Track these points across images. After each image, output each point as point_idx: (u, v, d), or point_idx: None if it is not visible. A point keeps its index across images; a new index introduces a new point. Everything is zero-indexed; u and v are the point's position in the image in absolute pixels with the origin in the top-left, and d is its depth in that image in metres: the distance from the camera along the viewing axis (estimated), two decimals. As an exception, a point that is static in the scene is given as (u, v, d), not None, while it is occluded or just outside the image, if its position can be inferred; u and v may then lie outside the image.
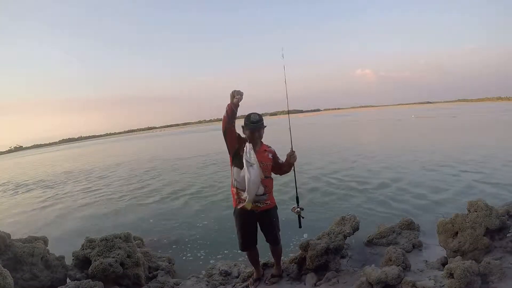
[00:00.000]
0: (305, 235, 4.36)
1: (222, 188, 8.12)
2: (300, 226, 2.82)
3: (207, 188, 8.50)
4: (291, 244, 4.20)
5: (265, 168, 2.52)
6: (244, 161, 2.28)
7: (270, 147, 2.73)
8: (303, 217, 2.80)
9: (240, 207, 2.46)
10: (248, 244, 2.70)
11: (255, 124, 2.50)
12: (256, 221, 2.63)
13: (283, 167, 2.70)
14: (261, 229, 2.70)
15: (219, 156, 14.86)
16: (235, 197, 2.55)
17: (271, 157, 2.65)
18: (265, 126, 2.60)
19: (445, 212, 4.78)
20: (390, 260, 2.81)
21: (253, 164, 2.25)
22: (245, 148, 2.30)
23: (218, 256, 4.14)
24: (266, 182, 2.53)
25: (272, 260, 3.41)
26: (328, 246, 3.04)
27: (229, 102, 2.33)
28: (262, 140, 2.67)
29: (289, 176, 2.81)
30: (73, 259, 3.42)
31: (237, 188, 2.51)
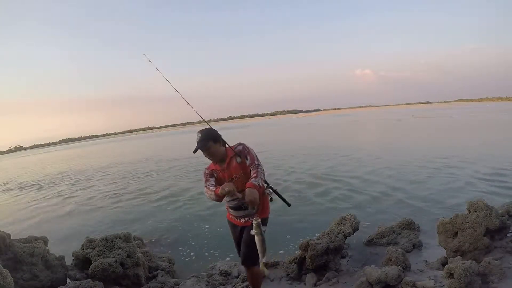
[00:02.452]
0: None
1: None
2: (288, 204, 2.50)
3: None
4: (291, 244, 4.20)
5: (239, 182, 2.20)
6: None
7: (240, 145, 2.30)
8: (276, 192, 2.40)
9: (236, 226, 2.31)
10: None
11: (197, 144, 2.21)
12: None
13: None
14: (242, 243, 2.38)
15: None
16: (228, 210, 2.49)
17: (240, 161, 2.24)
18: (219, 138, 2.25)
19: (445, 212, 4.78)
20: (390, 260, 2.81)
21: (255, 236, 2.04)
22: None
23: (218, 256, 4.14)
24: None
25: (273, 260, 3.41)
26: (328, 246, 3.04)
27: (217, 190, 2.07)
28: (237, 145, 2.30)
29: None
30: (73, 259, 3.42)
31: (226, 203, 2.43)
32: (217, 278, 3.31)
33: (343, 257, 3.47)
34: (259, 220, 2.02)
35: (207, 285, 3.21)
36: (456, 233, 2.85)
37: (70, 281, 3.08)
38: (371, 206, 5.62)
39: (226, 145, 2.34)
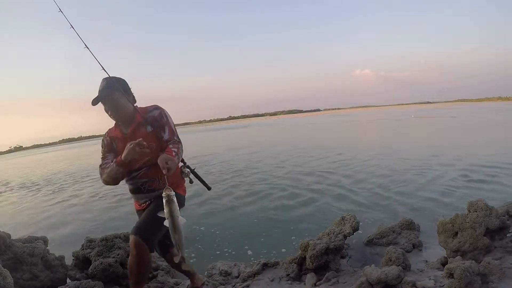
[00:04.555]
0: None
1: (220, 188, 8.12)
2: (208, 188, 2.38)
3: (204, 188, 8.49)
4: (294, 243, 4.20)
5: (149, 153, 1.64)
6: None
7: (156, 109, 1.78)
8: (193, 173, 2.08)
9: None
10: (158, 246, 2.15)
11: (99, 93, 1.65)
12: None
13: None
14: None
15: (217, 156, 14.87)
16: None
17: (151, 130, 1.72)
18: (129, 91, 1.73)
19: (445, 212, 4.78)
20: (390, 260, 2.81)
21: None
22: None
23: (218, 256, 4.14)
24: (160, 171, 1.53)
25: (273, 260, 3.41)
26: (328, 246, 3.04)
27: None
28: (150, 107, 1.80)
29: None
30: (73, 259, 3.43)
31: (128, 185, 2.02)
32: (217, 278, 3.31)
33: (343, 257, 3.47)
34: (173, 192, 1.41)
35: (207, 285, 3.21)
36: (456, 233, 2.85)
37: (70, 281, 3.08)
38: (371, 206, 5.62)
39: (136, 106, 1.76)
